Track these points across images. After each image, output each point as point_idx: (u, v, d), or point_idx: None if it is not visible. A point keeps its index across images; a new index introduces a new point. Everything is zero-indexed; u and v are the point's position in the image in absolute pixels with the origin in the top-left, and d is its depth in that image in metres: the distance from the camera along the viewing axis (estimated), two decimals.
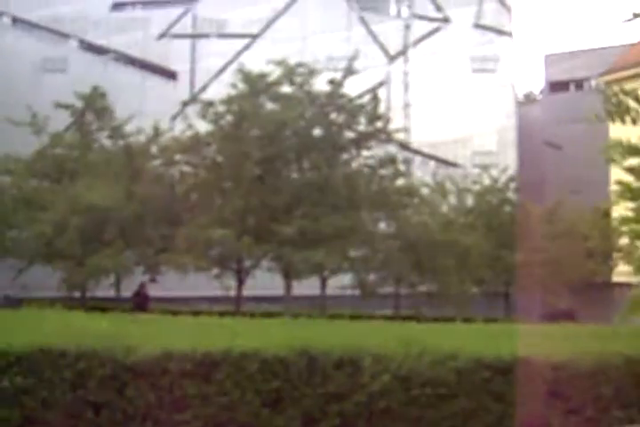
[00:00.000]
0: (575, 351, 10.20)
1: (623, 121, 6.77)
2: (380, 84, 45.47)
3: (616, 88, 6.98)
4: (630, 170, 6.59)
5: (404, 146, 34.95)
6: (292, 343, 9.64)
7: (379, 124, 29.87)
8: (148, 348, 8.97)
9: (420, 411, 9.46)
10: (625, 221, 6.13)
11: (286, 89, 29.60)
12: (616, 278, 38.09)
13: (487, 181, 34.96)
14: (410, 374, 9.66)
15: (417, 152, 41.86)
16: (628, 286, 36.57)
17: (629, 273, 37.70)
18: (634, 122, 7.06)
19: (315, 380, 9.65)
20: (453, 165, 45.31)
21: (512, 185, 35.27)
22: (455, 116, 46.99)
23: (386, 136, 30.02)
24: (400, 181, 30.59)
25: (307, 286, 30.90)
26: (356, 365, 9.60)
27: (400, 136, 31.72)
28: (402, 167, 31.10)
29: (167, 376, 8.95)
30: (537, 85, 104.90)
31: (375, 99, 30.32)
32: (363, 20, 50.21)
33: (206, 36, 51.73)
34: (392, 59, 49.75)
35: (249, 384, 9.35)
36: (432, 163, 45.14)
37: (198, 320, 14.75)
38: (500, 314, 32.48)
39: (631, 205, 6.77)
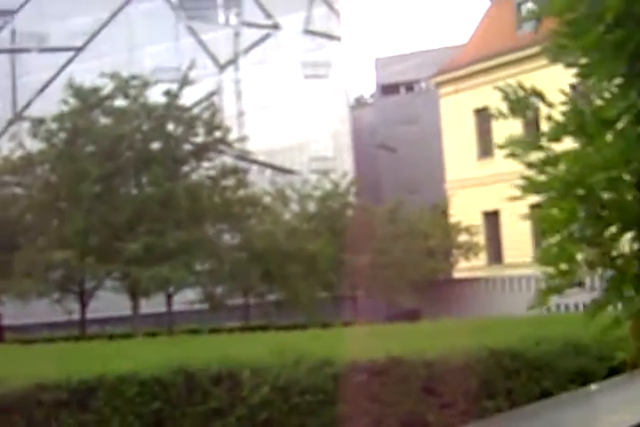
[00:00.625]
0: (444, 348, 10.42)
1: (524, 117, 6.78)
2: (212, 94, 44.97)
3: (515, 83, 6.94)
4: (530, 165, 6.59)
5: (242, 155, 34.75)
6: (168, 362, 9.34)
7: (217, 134, 29.63)
8: (17, 379, 8.49)
9: (301, 419, 9.47)
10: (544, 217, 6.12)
11: (120, 102, 28.90)
12: (457, 275, 39.39)
13: (328, 186, 35.25)
14: (288, 383, 9.61)
15: (253, 161, 41.62)
16: (469, 281, 38.07)
17: (470, 269, 39.25)
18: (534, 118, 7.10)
19: (194, 398, 9.45)
20: (290, 172, 45.37)
21: (352, 189, 35.71)
22: (289, 122, 47.01)
23: (225, 146, 29.80)
24: (242, 192, 30.40)
25: (152, 304, 30.30)
26: (235, 379, 9.47)
27: (237, 145, 31.53)
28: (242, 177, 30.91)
29: (41, 408, 8.50)
30: (368, 89, 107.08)
31: (212, 108, 30.08)
32: (191, 30, 49.57)
33: (27, 50, 49.69)
34: (222, 67, 49.28)
35: (128, 409, 9.00)
36: (268, 171, 44.91)
37: (62, 346, 14.24)
38: (350, 317, 32.82)
39: (536, 198, 6.81)
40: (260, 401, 9.61)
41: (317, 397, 9.62)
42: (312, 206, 34.72)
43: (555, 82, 35.22)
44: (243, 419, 9.65)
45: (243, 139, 31.64)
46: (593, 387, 5.77)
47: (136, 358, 9.89)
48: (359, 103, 65.35)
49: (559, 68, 29.37)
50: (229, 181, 29.77)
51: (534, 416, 4.30)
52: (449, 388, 10.29)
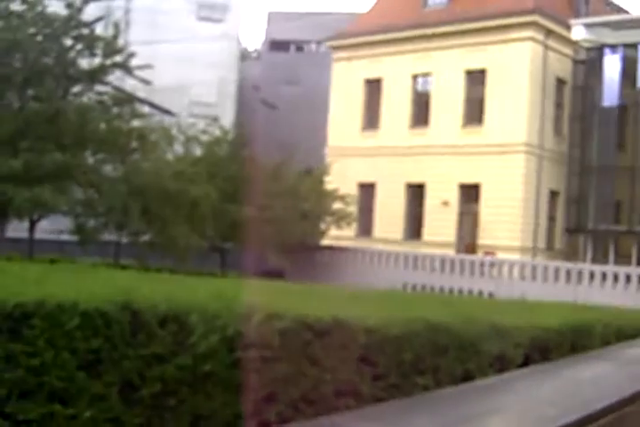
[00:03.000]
0: (383, 316, 9.73)
1: None
2: (99, 19, 42.21)
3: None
4: None
5: (119, 88, 32.58)
6: (112, 296, 7.97)
7: (117, 58, 27.62)
8: None
9: (242, 375, 8.35)
10: None
11: (16, 7, 26.42)
12: (326, 242, 38.84)
13: (217, 132, 33.77)
14: (236, 334, 8.45)
15: (132, 96, 39.34)
16: (337, 249, 37.68)
17: (339, 238, 38.81)
18: None
19: (138, 339, 8.08)
20: (169, 113, 43.32)
21: (241, 140, 34.41)
22: (175, 62, 44.90)
23: (125, 72, 27.81)
24: (135, 123, 28.53)
25: (11, 229, 28.19)
26: (183, 323, 8.23)
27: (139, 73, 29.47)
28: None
29: None
30: (255, 43, 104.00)
31: (116, 30, 27.98)
32: None
33: None
34: None
35: (65, 342, 7.57)
36: (146, 108, 42.68)
37: None
38: (216, 268, 31.83)
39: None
40: (207, 351, 8.40)
41: (262, 352, 8.57)
42: (198, 151, 33.18)
43: (454, 64, 35.06)
44: (185, 369, 8.36)
45: (147, 66, 29.48)
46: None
47: (75, 287, 8.45)
48: (243, 56, 63.52)
49: (462, 50, 29.11)
50: (123, 110, 27.80)
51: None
52: (384, 359, 9.64)
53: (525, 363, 11.29)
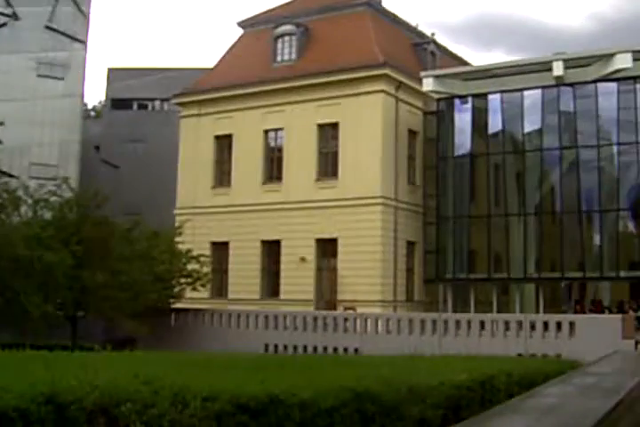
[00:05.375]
0: (315, 387, 9.02)
1: None
2: None
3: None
4: None
5: None
6: (31, 388, 6.55)
7: None
8: None
9: None
10: None
11: None
12: (181, 305, 37.07)
13: (66, 194, 31.81)
14: (171, 424, 7.29)
15: None
16: (188, 312, 36.03)
17: (194, 300, 37.18)
18: None
19: None
20: (10, 175, 40.90)
21: (91, 201, 32.52)
22: (14, 122, 42.53)
23: None
24: None
25: None
26: (111, 415, 6.92)
27: None
28: None
29: None
30: (95, 100, 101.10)
31: None
32: None
33: None
34: None
35: None
36: None
37: None
38: (66, 339, 29.67)
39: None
40: None
41: None
42: (47, 214, 31.05)
43: (305, 118, 34.72)
44: None
45: None
46: None
47: None
48: (85, 114, 61.38)
49: (314, 104, 28.72)
50: None
51: None
52: None
53: (442, 424, 10.62)
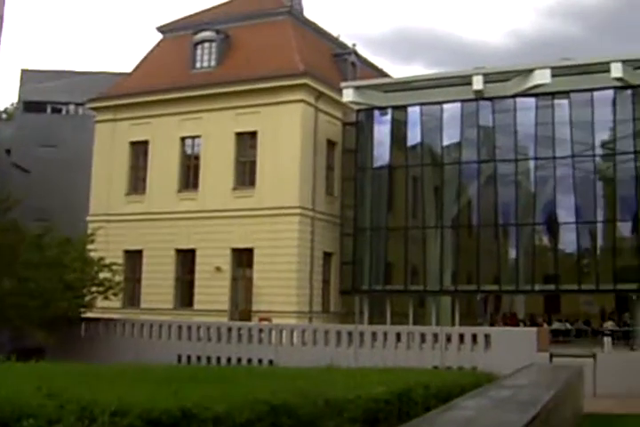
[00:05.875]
0: (230, 400, 8.69)
1: None
2: None
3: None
4: None
5: None
6: None
7: None
8: None
9: None
10: None
11: None
12: (92, 314, 36.08)
13: None
14: None
15: None
16: (99, 321, 35.11)
17: (106, 309, 36.23)
18: None
19: None
20: None
21: (4, 204, 31.41)
22: None
23: None
24: None
25: None
26: None
27: None
28: None
29: None
30: (8, 102, 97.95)
31: None
32: None
33: None
34: None
35: None
36: None
37: None
38: None
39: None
40: None
41: None
42: None
43: (224, 126, 34.35)
44: None
45: None
46: None
47: None
48: None
49: (232, 113, 28.43)
50: None
51: None
52: None
53: None
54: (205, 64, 42.05)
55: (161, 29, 45.64)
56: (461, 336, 28.06)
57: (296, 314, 36.63)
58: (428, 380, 13.31)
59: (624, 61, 33.93)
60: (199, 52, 42.28)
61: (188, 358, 31.45)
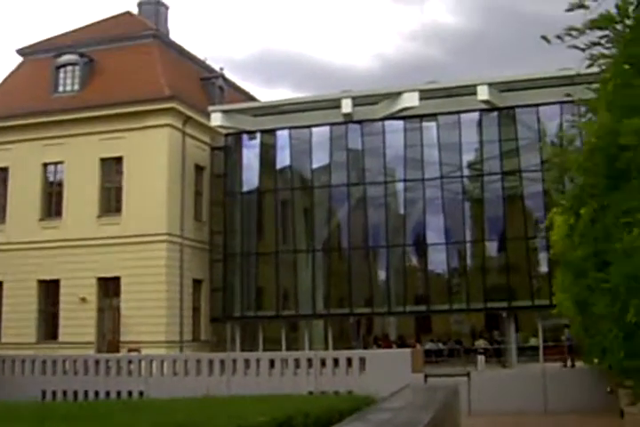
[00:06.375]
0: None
1: None
2: None
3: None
4: None
5: None
6: None
7: None
8: None
9: None
10: None
11: None
12: None
13: None
14: None
15: None
16: None
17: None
18: None
19: None
20: None
21: None
22: None
23: None
24: None
25: None
26: None
27: None
28: None
29: None
30: None
31: None
32: None
33: None
34: None
35: None
36: None
37: None
38: None
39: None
40: None
41: None
42: None
43: (88, 152, 33.28)
44: None
45: None
46: None
47: None
48: None
49: (97, 138, 27.71)
50: None
51: None
52: None
53: None
54: (68, 88, 40.78)
55: (21, 52, 44.08)
56: (336, 360, 27.87)
57: (166, 344, 35.69)
58: (306, 407, 13.04)
59: (490, 84, 34.85)
60: (62, 75, 40.99)
61: (53, 393, 30.06)
